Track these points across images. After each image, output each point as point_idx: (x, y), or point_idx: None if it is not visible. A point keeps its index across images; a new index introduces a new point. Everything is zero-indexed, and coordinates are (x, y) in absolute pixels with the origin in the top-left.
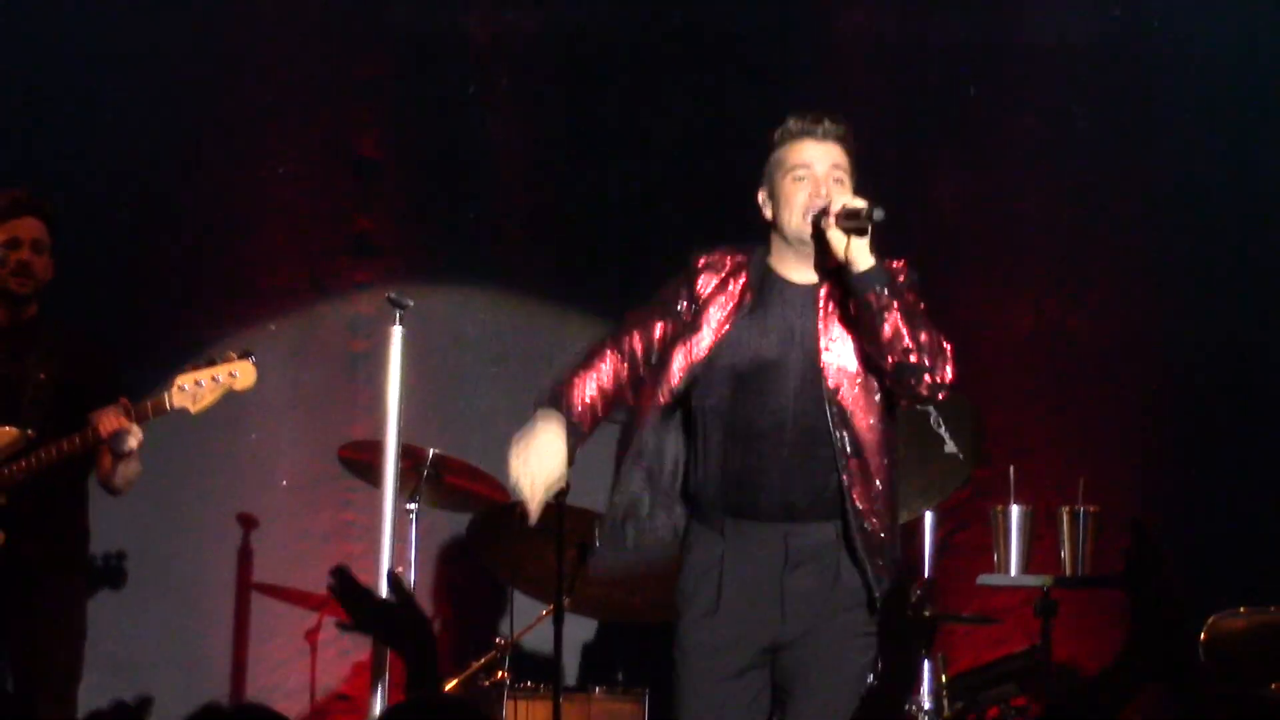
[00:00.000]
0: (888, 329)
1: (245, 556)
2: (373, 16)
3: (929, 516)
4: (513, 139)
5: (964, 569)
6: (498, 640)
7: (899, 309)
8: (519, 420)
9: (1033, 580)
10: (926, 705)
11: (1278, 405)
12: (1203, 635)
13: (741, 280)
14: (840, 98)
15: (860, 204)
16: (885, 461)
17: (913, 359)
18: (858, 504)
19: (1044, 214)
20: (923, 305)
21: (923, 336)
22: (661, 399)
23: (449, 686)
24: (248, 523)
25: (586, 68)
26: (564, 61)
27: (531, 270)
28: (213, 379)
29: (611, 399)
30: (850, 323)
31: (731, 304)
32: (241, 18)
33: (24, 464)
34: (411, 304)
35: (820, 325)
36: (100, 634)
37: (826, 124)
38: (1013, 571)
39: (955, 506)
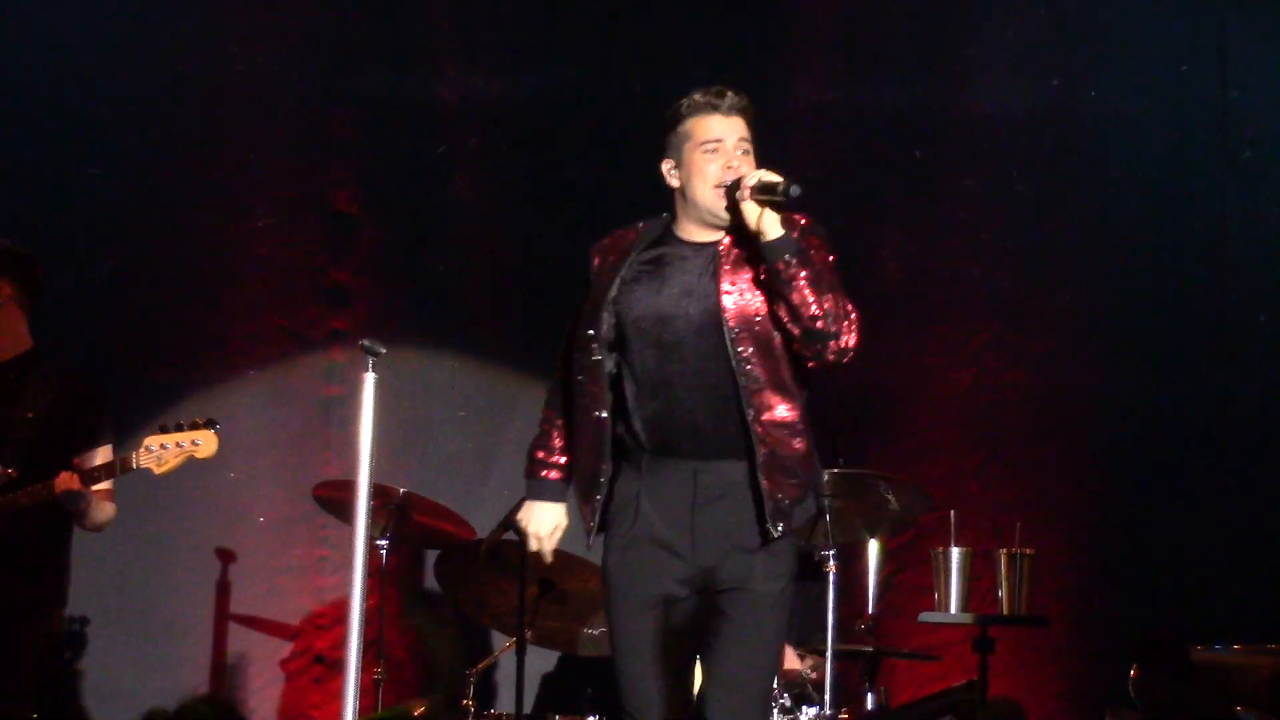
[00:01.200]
0: (795, 296)
1: (223, 589)
2: (348, 80)
3: (874, 557)
4: (480, 197)
5: (906, 607)
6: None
7: (807, 276)
8: (483, 462)
9: (970, 618)
10: None
11: (1198, 454)
12: (1132, 673)
13: (632, 247)
14: (792, 161)
15: (775, 179)
16: (791, 398)
17: (819, 325)
18: (763, 435)
19: (984, 273)
20: (831, 258)
21: (828, 303)
22: (589, 375)
23: (417, 713)
24: (226, 557)
25: (550, 130)
26: (529, 124)
27: (496, 321)
28: (177, 444)
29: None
30: (753, 278)
31: (623, 269)
32: (224, 77)
33: (7, 499)
34: (384, 351)
35: (719, 280)
36: (86, 664)
37: (731, 97)
38: (952, 610)
39: (898, 548)
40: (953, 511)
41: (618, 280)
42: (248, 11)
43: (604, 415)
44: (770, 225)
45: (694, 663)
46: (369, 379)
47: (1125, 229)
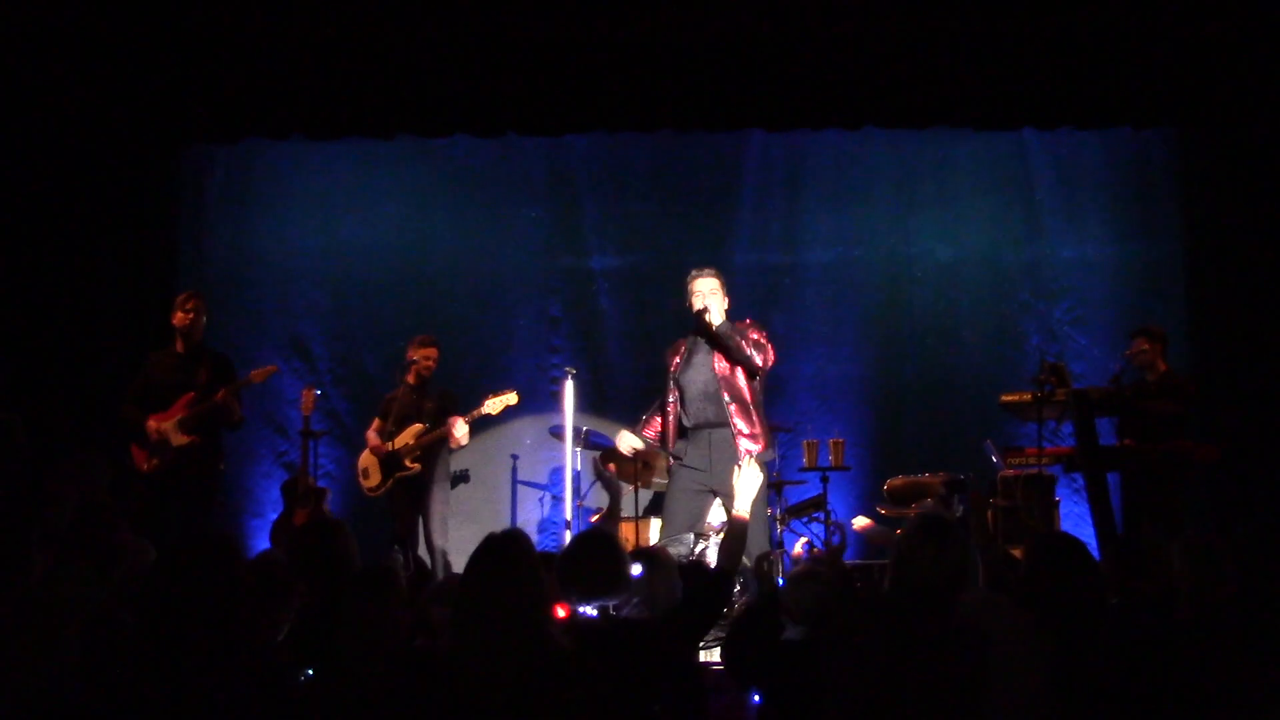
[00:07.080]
0: (731, 348)
1: (515, 472)
2: (554, 261)
3: (776, 446)
4: (614, 309)
5: (793, 466)
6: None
7: (734, 341)
8: (616, 416)
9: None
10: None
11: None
12: (885, 486)
13: (683, 346)
14: (749, 288)
15: (702, 309)
16: (750, 402)
17: (743, 359)
18: (736, 420)
19: (816, 342)
20: (761, 335)
21: (748, 349)
22: (672, 395)
23: (594, 518)
24: (514, 458)
25: (646, 282)
26: (633, 279)
27: (619, 368)
28: (502, 399)
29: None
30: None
31: (679, 358)
32: (506, 262)
33: (424, 439)
34: (575, 372)
35: (713, 355)
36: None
37: (704, 270)
38: (811, 465)
39: (789, 436)
40: (810, 426)
41: (679, 360)
42: (508, 231)
43: (672, 412)
44: (711, 324)
45: (699, 517)
46: (570, 384)
47: (965, 328)
